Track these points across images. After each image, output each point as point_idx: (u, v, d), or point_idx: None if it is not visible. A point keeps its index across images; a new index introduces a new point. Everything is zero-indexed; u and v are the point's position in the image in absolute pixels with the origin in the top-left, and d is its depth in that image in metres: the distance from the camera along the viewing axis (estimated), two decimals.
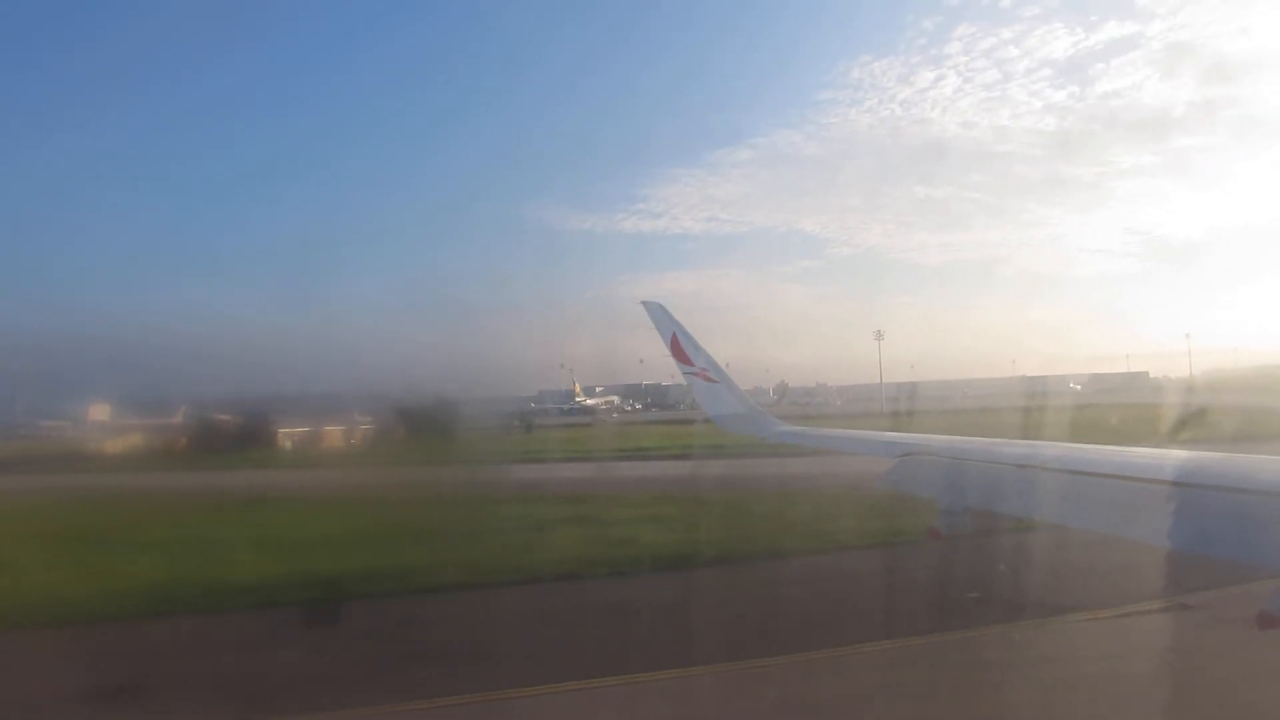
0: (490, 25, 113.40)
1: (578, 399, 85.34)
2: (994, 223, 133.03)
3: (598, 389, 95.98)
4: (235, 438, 24.00)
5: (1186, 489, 5.66)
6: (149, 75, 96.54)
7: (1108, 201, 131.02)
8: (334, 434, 23.85)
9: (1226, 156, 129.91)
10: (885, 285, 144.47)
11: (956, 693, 9.59)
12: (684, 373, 14.09)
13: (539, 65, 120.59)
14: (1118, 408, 41.37)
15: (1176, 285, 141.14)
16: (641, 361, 77.58)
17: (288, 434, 24.11)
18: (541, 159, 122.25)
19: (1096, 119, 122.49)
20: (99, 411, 35.03)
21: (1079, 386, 69.21)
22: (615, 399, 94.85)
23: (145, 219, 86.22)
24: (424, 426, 20.28)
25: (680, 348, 13.93)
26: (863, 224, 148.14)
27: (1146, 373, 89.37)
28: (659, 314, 14.30)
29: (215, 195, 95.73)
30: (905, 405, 58.11)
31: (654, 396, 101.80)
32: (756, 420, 13.70)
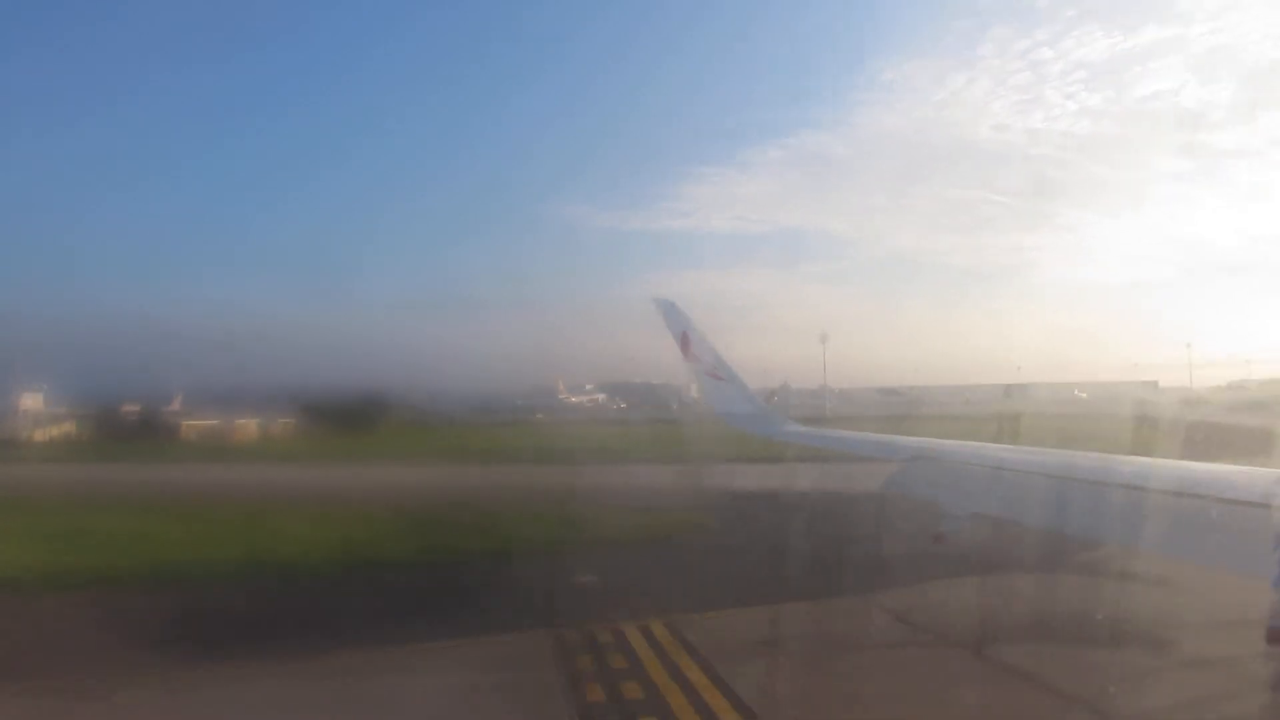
0: (515, 20, 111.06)
1: (560, 395, 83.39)
2: (1025, 226, 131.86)
3: (587, 386, 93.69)
4: (136, 429, 21.46)
5: (1181, 498, 5.66)
6: (167, 69, 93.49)
7: (1142, 207, 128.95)
8: (246, 427, 21.32)
9: (1266, 163, 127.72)
10: (911, 287, 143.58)
11: None
12: (693, 370, 14.13)
13: (565, 61, 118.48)
14: (1119, 419, 39.40)
15: (1212, 295, 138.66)
16: (632, 359, 75.38)
17: (192, 426, 21.59)
18: (566, 156, 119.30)
19: (1132, 123, 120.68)
20: (31, 400, 33.84)
21: (1084, 394, 67.02)
22: (601, 396, 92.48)
23: (165, 214, 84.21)
24: (335, 423, 17.97)
25: (690, 345, 13.97)
26: (891, 225, 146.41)
27: (1155, 383, 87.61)
28: (670, 311, 14.28)
29: (233, 191, 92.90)
30: (901, 410, 56.86)
31: (643, 395, 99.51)
32: (765, 419, 13.71)
